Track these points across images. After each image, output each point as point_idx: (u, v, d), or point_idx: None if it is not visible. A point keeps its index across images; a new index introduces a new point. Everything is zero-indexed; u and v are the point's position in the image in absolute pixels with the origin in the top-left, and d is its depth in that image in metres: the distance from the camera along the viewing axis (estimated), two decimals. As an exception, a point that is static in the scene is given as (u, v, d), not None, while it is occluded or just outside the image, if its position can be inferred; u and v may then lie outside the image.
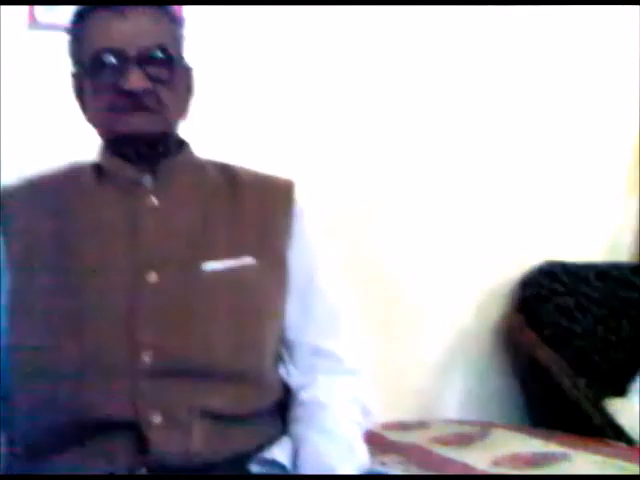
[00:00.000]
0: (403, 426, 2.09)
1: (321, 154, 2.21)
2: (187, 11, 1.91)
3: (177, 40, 1.42)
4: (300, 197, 1.50)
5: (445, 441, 1.90)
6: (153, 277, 1.32)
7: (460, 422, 2.14)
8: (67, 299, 1.31)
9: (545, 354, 2.22)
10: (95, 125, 1.41)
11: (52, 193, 1.42)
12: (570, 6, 2.49)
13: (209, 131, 1.91)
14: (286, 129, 2.17)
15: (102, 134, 1.42)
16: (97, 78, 1.34)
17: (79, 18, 1.39)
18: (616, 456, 1.68)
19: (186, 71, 1.44)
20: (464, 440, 1.90)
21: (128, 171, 1.39)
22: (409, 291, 2.34)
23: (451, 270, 2.40)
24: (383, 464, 1.68)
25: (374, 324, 2.06)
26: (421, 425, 2.10)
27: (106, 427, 1.26)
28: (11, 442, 1.36)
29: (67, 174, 1.46)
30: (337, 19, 2.21)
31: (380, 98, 2.30)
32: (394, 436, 1.97)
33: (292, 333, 1.44)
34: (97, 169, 1.43)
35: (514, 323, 2.38)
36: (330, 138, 2.23)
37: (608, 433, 1.97)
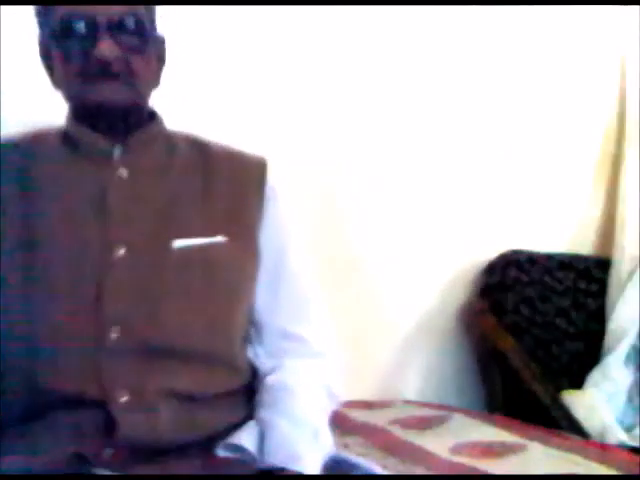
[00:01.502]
0: (365, 405, 2.13)
1: (295, 136, 2.21)
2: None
3: (149, 8, 1.40)
4: (273, 176, 1.50)
5: (406, 424, 1.94)
6: (122, 251, 1.30)
7: (421, 404, 2.19)
8: (35, 270, 1.29)
9: (505, 342, 2.27)
10: (63, 92, 1.38)
11: (18, 159, 1.38)
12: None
13: (183, 105, 1.90)
14: (263, 107, 2.16)
15: (70, 101, 1.39)
16: (66, 44, 1.32)
17: None
18: (571, 450, 1.72)
19: (158, 40, 1.42)
20: (424, 423, 1.94)
21: (98, 142, 1.37)
22: (374, 271, 2.36)
23: (417, 253, 2.43)
24: (346, 446, 1.71)
25: (339, 303, 2.07)
26: (382, 405, 2.14)
27: (72, 403, 1.25)
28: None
29: (34, 140, 1.43)
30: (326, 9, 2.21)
31: (357, 82, 2.30)
32: (356, 415, 2.00)
33: (261, 314, 1.44)
34: (64, 136, 1.40)
35: (476, 308, 2.43)
36: (304, 120, 2.23)
37: (564, 425, 2.03)
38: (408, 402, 2.24)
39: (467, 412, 2.07)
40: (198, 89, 2.05)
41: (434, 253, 2.45)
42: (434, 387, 2.41)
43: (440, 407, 2.13)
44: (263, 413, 1.36)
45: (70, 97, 1.39)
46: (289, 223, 1.51)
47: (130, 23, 1.33)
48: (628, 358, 2.36)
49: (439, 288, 2.47)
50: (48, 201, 1.35)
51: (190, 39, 1.98)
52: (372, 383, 2.33)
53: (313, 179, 2.21)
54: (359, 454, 1.64)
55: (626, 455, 1.78)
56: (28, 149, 1.41)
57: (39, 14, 1.39)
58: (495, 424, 1.92)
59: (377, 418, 1.99)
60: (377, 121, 2.35)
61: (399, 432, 1.87)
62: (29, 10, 1.40)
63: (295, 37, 2.19)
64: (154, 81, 1.42)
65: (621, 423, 2.19)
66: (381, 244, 2.38)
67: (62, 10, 1.32)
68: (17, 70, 1.83)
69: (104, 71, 1.30)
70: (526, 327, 2.37)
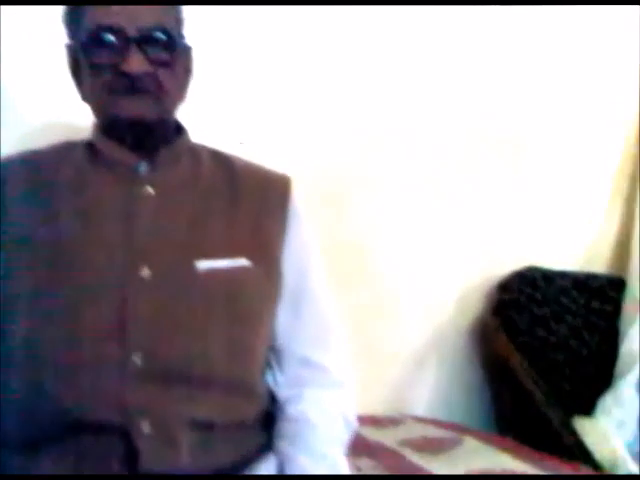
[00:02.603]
0: (374, 421, 2.11)
1: (310, 147, 2.18)
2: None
3: (177, 20, 1.38)
4: (296, 194, 1.48)
5: (417, 445, 1.92)
6: (146, 272, 1.29)
7: (430, 422, 2.17)
8: (58, 290, 1.28)
9: (518, 363, 2.25)
10: (91, 105, 1.37)
11: (45, 173, 1.38)
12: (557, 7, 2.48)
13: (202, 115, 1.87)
14: (272, 112, 2.12)
15: (98, 115, 1.38)
16: (95, 56, 1.31)
17: None
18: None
19: (186, 52, 1.41)
20: (435, 446, 1.93)
21: (124, 157, 1.36)
22: (388, 286, 2.34)
23: (431, 268, 2.41)
24: (359, 470, 1.70)
25: (350, 317, 2.06)
26: (392, 422, 2.12)
27: (94, 428, 1.24)
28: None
29: (60, 153, 1.42)
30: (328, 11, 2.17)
31: (366, 88, 2.27)
32: (366, 433, 1.98)
33: (282, 339, 1.43)
34: (90, 149, 1.39)
35: (489, 326, 2.41)
36: (319, 132, 2.20)
37: (576, 452, 2.01)
38: (417, 419, 2.22)
39: (478, 435, 2.05)
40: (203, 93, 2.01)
41: (448, 267, 2.43)
42: (443, 403, 2.39)
43: (450, 427, 2.11)
44: (283, 445, 1.36)
45: (97, 111, 1.38)
46: (311, 243, 1.50)
47: (160, 36, 1.32)
48: (640, 383, 2.33)
49: (452, 303, 2.44)
50: (73, 216, 1.33)
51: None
52: (381, 396, 2.32)
53: (327, 192, 2.18)
54: (368, 477, 1.64)
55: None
56: (53, 161, 1.40)
57: (68, 24, 1.38)
58: (506, 450, 1.90)
59: (387, 437, 1.97)
60: (394, 136, 2.32)
61: (411, 455, 1.85)
62: (28, 10, 1.38)
63: (308, 46, 2.16)
64: (181, 95, 1.41)
65: (631, 450, 2.18)
66: (394, 258, 2.35)
67: (92, 21, 1.30)
68: (17, 70, 1.79)
69: (132, 86, 1.29)
70: (539, 347, 2.35)
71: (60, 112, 1.79)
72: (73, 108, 1.50)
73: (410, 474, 1.64)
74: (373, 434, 1.99)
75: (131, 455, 1.23)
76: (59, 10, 1.40)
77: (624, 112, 2.68)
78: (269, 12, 2.07)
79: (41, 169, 1.39)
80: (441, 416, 2.29)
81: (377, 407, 2.23)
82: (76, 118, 1.55)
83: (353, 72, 2.24)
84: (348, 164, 2.25)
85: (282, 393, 1.42)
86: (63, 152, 1.43)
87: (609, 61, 2.63)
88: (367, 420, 2.08)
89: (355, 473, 1.56)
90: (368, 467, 1.75)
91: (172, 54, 1.34)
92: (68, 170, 1.38)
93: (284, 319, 1.43)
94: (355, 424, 1.48)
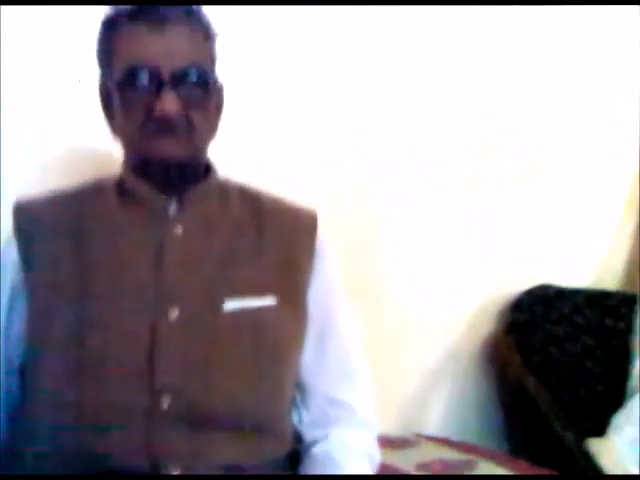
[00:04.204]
0: (387, 442, 2.11)
1: (322, 164, 2.18)
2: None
3: (212, 58, 1.38)
4: (322, 230, 1.49)
5: (432, 469, 1.94)
6: (175, 313, 1.29)
7: (444, 442, 2.18)
8: (87, 333, 1.28)
9: (531, 383, 2.26)
10: (122, 142, 1.38)
11: (72, 213, 1.38)
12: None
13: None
14: (280, 137, 2.12)
15: (129, 152, 1.38)
16: (128, 95, 1.31)
17: (111, 26, 1.33)
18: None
19: (218, 90, 1.41)
20: (451, 470, 1.94)
21: (154, 196, 1.36)
22: (399, 306, 2.34)
23: (442, 287, 2.41)
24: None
25: (363, 335, 2.07)
26: (404, 444, 2.13)
27: (122, 474, 1.24)
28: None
29: (89, 190, 1.42)
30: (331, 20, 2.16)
31: (380, 112, 2.26)
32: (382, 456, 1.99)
33: (307, 378, 1.44)
34: (120, 186, 1.39)
35: (502, 345, 2.41)
36: (324, 146, 2.20)
37: (589, 473, 2.02)
38: (430, 439, 2.23)
39: (492, 456, 2.06)
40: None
41: (460, 288, 2.43)
42: (456, 423, 2.40)
43: (464, 448, 2.12)
44: None
45: (128, 149, 1.38)
46: (337, 279, 1.50)
47: (193, 76, 1.32)
48: (652, 401, 2.33)
49: (464, 322, 2.44)
50: (103, 254, 1.34)
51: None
52: (393, 416, 2.32)
53: (337, 207, 2.17)
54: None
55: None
56: (84, 199, 1.41)
57: (102, 61, 1.38)
58: (521, 473, 1.92)
59: (402, 461, 1.98)
60: (409, 148, 2.32)
61: (427, 481, 1.86)
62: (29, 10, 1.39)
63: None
64: (213, 134, 1.41)
65: (644, 470, 2.19)
66: (406, 276, 2.35)
67: (126, 59, 1.30)
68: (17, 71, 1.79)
69: (165, 127, 1.28)
70: (553, 367, 2.36)
71: (81, 137, 1.80)
72: (94, 133, 1.52)
73: (409, 474, 1.63)
74: (387, 457, 1.99)
75: None
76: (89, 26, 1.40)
77: (637, 125, 2.67)
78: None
79: (69, 209, 1.39)
80: (453, 436, 2.29)
81: (389, 427, 2.24)
82: (98, 143, 1.56)
83: (368, 91, 2.24)
84: (363, 177, 2.26)
85: (308, 432, 1.43)
86: (91, 191, 1.43)
87: (628, 77, 2.63)
88: (381, 441, 2.09)
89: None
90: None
91: (205, 94, 1.34)
92: (97, 209, 1.39)
93: (309, 357, 1.43)
94: (379, 459, 1.48)
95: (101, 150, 1.67)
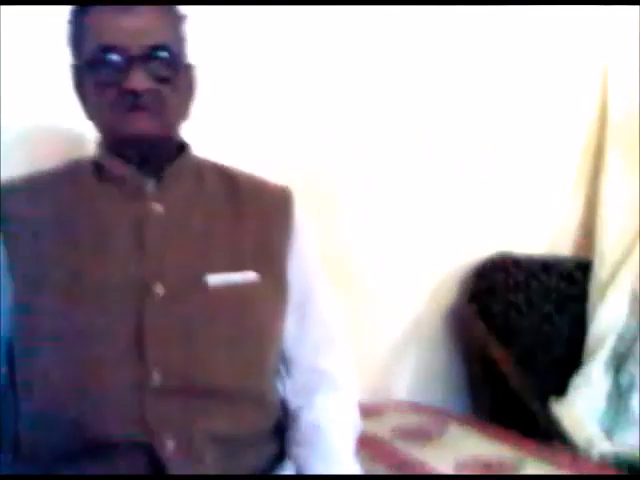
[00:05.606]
0: (362, 410, 2.19)
1: (288, 136, 2.23)
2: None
3: (181, 37, 1.43)
4: (298, 206, 1.54)
5: (406, 433, 2.02)
6: (160, 289, 1.34)
7: (414, 407, 2.27)
8: (74, 314, 1.32)
9: (495, 349, 2.35)
10: (96, 123, 1.42)
11: (52, 195, 1.41)
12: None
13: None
14: (264, 113, 2.17)
15: (103, 132, 1.42)
16: (99, 74, 1.35)
17: (81, 9, 1.38)
18: (565, 468, 1.83)
19: (189, 69, 1.45)
20: (423, 435, 2.02)
21: (131, 175, 1.40)
22: (363, 276, 2.40)
23: (406, 256, 2.47)
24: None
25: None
26: (377, 411, 2.20)
27: (119, 448, 1.29)
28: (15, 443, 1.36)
29: (66, 173, 1.45)
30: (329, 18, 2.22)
31: (351, 84, 2.32)
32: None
33: (290, 350, 1.50)
34: (97, 167, 1.43)
35: (466, 313, 2.49)
36: (296, 120, 2.24)
37: (552, 434, 2.13)
38: (400, 405, 2.31)
39: (460, 420, 2.15)
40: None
41: (422, 257, 2.49)
42: (423, 388, 2.48)
43: (435, 412, 2.21)
44: (298, 452, 1.44)
45: (102, 129, 1.42)
46: (314, 251, 1.56)
47: (163, 54, 1.36)
48: (608, 363, 2.44)
49: (428, 291, 2.51)
50: (85, 239, 1.37)
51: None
52: (363, 384, 2.38)
53: (303, 180, 2.20)
54: (368, 471, 1.71)
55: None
56: (60, 181, 1.44)
57: (72, 43, 1.41)
58: (491, 437, 2.01)
59: (377, 428, 2.05)
60: (368, 124, 2.38)
61: (401, 445, 1.94)
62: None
63: (301, 49, 2.21)
64: (184, 112, 1.45)
65: (602, 426, 2.30)
66: (369, 248, 2.42)
67: (96, 41, 1.34)
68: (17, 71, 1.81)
69: (135, 103, 1.33)
70: (515, 333, 2.44)
71: (60, 117, 1.80)
72: (73, 113, 1.53)
73: (410, 474, 1.71)
74: (364, 423, 2.07)
75: (157, 471, 1.29)
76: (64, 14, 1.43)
77: (586, 101, 2.75)
78: (265, 10, 2.12)
79: (48, 193, 1.42)
80: (421, 399, 2.38)
81: (361, 394, 2.30)
82: (76, 124, 1.58)
83: (343, 75, 2.30)
84: (327, 151, 2.31)
85: (292, 401, 1.49)
86: (68, 174, 1.46)
87: (572, 53, 2.70)
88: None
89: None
90: (364, 460, 1.82)
91: (175, 71, 1.38)
92: (76, 192, 1.42)
93: (291, 328, 1.49)
94: (360, 425, 1.55)
95: (67, 130, 1.71)
